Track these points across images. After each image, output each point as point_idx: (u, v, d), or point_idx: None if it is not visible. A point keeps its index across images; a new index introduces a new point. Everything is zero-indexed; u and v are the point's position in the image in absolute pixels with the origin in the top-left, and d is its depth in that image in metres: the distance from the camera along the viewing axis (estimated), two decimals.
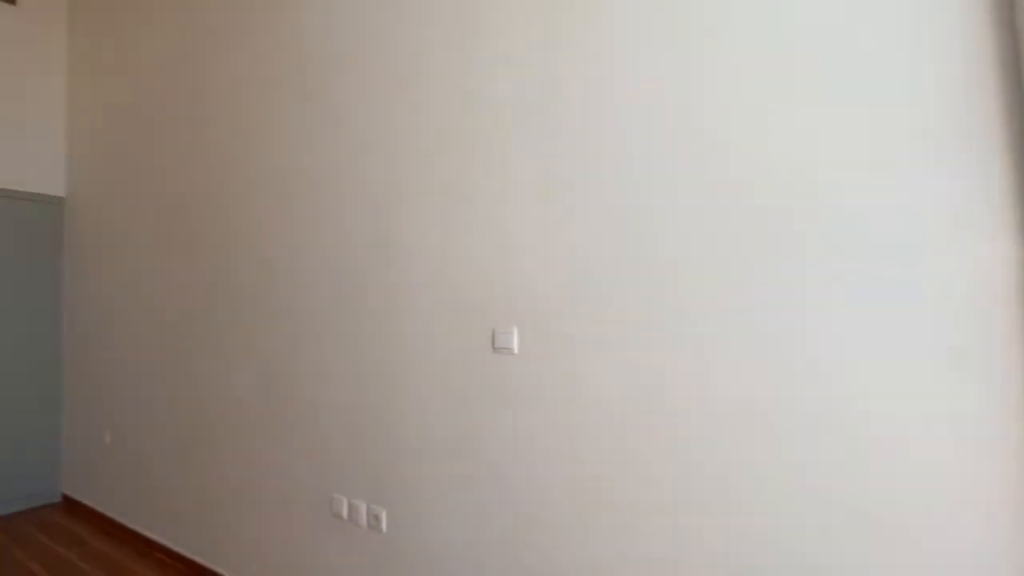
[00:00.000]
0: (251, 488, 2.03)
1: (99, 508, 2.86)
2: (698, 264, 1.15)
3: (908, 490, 0.93)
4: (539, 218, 1.38)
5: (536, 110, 1.40)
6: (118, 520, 2.71)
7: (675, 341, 1.17)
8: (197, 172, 2.35)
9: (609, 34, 1.29)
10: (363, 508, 1.71)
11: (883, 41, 0.98)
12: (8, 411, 3.00)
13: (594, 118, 1.31)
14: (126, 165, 2.80)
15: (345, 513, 1.75)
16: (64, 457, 3.19)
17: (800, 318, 1.04)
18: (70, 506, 3.08)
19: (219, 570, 2.15)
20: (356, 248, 1.76)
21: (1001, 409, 0.87)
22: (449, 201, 1.55)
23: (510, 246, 1.43)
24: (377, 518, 1.67)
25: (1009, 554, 0.85)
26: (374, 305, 1.71)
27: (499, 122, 1.46)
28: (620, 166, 1.26)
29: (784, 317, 1.05)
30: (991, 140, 0.88)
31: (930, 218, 0.93)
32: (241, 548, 2.07)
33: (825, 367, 1.01)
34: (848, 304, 0.99)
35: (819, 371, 1.02)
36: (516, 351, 1.41)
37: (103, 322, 2.92)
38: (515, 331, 1.41)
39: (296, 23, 1.97)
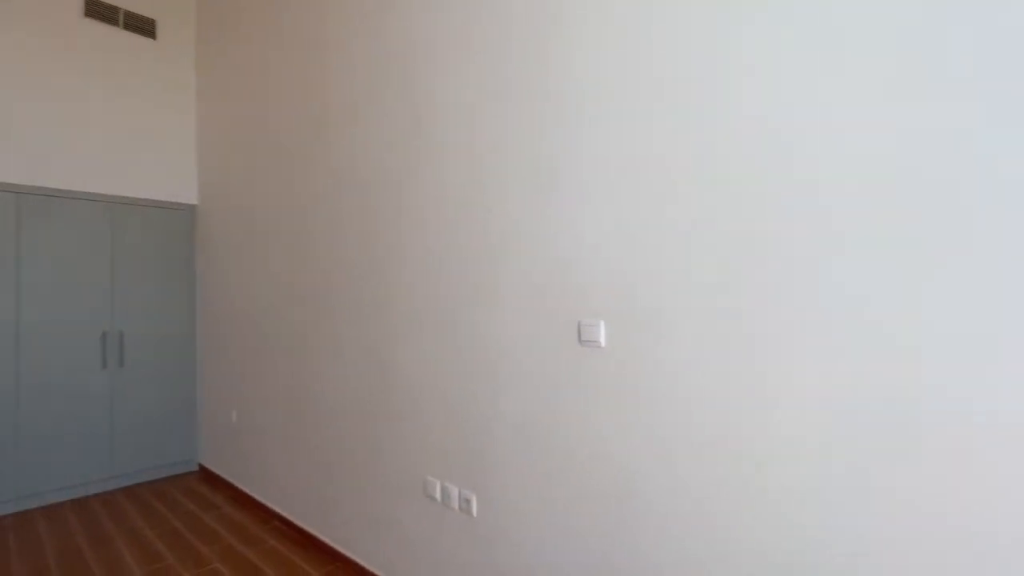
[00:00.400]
0: (355, 466, 2.21)
1: (228, 478, 3.26)
2: (820, 256, 1.07)
3: None
4: (627, 206, 1.36)
5: (623, 90, 1.37)
6: (243, 489, 3.07)
7: (793, 339, 1.11)
8: (312, 178, 2.59)
9: (698, 26, 1.23)
10: (455, 492, 1.80)
11: None
12: (156, 392, 3.50)
13: (698, 91, 1.26)
14: (248, 174, 3.14)
15: (438, 495, 1.85)
16: (200, 432, 3.66)
17: (915, 314, 0.93)
18: (205, 475, 3.54)
19: (327, 540, 2.37)
20: (447, 244, 1.84)
21: None
22: (535, 191, 1.57)
23: (596, 237, 1.42)
24: (468, 502, 1.75)
25: None
26: (465, 298, 1.78)
27: (582, 107, 1.45)
28: (727, 148, 1.21)
29: (900, 318, 0.95)
30: None
31: None
32: (346, 521, 2.26)
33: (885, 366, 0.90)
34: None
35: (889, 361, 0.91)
36: (603, 344, 1.41)
37: (229, 313, 3.31)
38: (601, 324, 1.41)
39: (401, 31, 2.08)
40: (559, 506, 1.50)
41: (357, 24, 2.24)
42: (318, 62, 2.49)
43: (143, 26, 3.61)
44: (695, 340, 1.23)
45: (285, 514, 2.66)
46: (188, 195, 3.77)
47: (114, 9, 3.49)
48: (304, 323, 2.57)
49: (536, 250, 1.57)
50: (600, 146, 1.42)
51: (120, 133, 3.47)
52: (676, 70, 1.27)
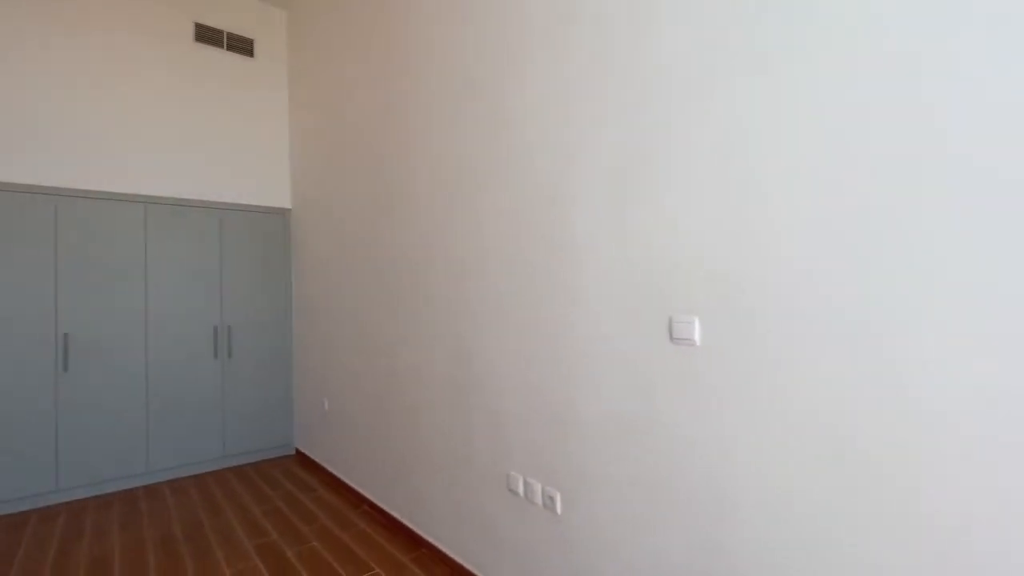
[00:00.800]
0: (441, 458, 2.28)
1: (321, 462, 3.50)
2: (946, 251, 0.95)
3: None
4: (720, 197, 1.28)
5: (718, 64, 1.29)
6: (335, 473, 3.28)
7: (941, 337, 0.99)
8: (396, 181, 2.70)
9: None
10: (538, 488, 1.80)
11: None
12: (257, 380, 3.83)
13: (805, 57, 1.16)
14: (336, 179, 3.34)
15: (521, 490, 1.86)
16: (295, 418, 3.96)
17: None
18: (301, 458, 3.82)
19: (413, 527, 2.47)
20: (532, 240, 1.84)
21: None
22: (623, 185, 1.52)
23: (692, 228, 1.35)
24: (552, 499, 1.74)
25: None
26: (549, 294, 1.76)
27: (670, 90, 1.38)
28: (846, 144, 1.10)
29: None
30: None
31: None
32: (432, 510, 2.35)
33: None
34: None
35: None
36: (698, 342, 1.34)
37: (321, 309, 3.54)
38: (696, 322, 1.34)
39: (484, 34, 2.11)
40: (645, 511, 1.45)
41: (437, 32, 2.29)
42: (401, 71, 2.57)
43: (243, 46, 3.94)
44: (814, 340, 1.13)
45: (374, 499, 2.81)
46: (282, 200, 4.07)
47: (219, 32, 3.84)
48: (390, 319, 2.68)
49: (623, 244, 1.52)
50: (694, 129, 1.34)
51: (225, 146, 3.82)
52: (791, 37, 1.17)
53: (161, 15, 3.60)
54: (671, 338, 1.39)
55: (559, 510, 1.72)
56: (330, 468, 3.38)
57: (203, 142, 3.72)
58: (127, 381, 3.31)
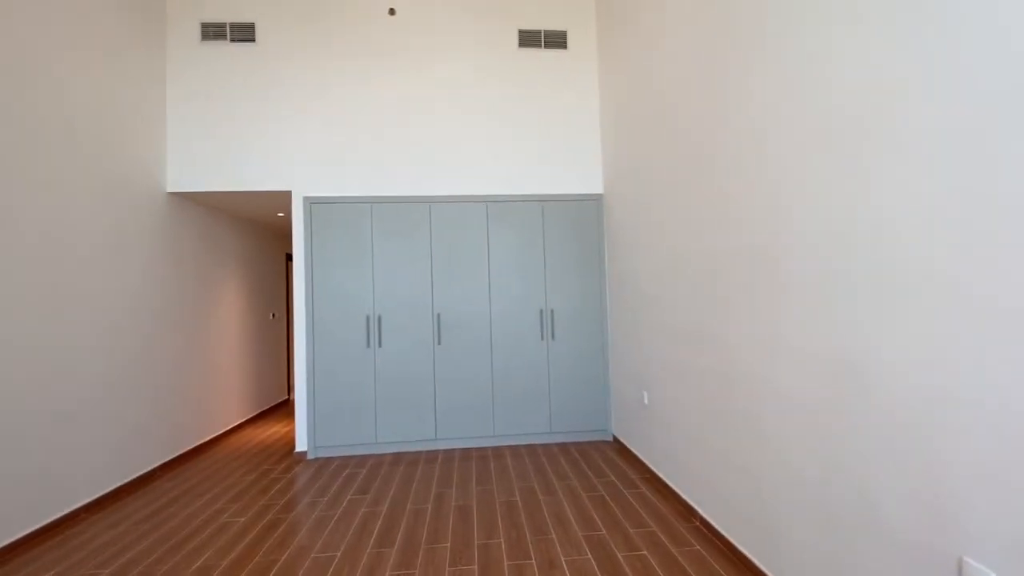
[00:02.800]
0: (818, 494, 1.70)
1: (640, 456, 3.32)
2: None
3: None
4: None
5: None
6: (656, 472, 3.04)
7: None
8: (706, 165, 2.22)
9: None
10: None
11: None
12: (576, 363, 3.93)
13: None
14: (644, 162, 3.05)
15: None
16: (612, 405, 3.92)
17: None
18: (618, 446, 3.75)
19: (764, 570, 1.96)
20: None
21: None
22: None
23: None
24: None
25: None
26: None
27: None
28: None
29: None
30: None
31: None
32: (792, 555, 1.79)
33: None
34: None
35: None
36: None
37: (634, 295, 3.34)
38: None
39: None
40: None
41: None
42: (727, 44, 2.04)
43: (557, 40, 4.07)
44: None
45: (707, 517, 2.42)
46: (595, 186, 4.05)
47: (537, 33, 4.06)
48: (718, 309, 2.21)
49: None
50: None
51: (546, 141, 4.03)
52: None
53: (493, 32, 4.04)
54: None
55: None
56: (650, 464, 3.15)
57: (526, 141, 4.01)
58: (478, 357, 3.87)
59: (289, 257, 6.31)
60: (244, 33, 3.82)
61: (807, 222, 1.69)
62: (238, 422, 4.71)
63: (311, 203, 3.82)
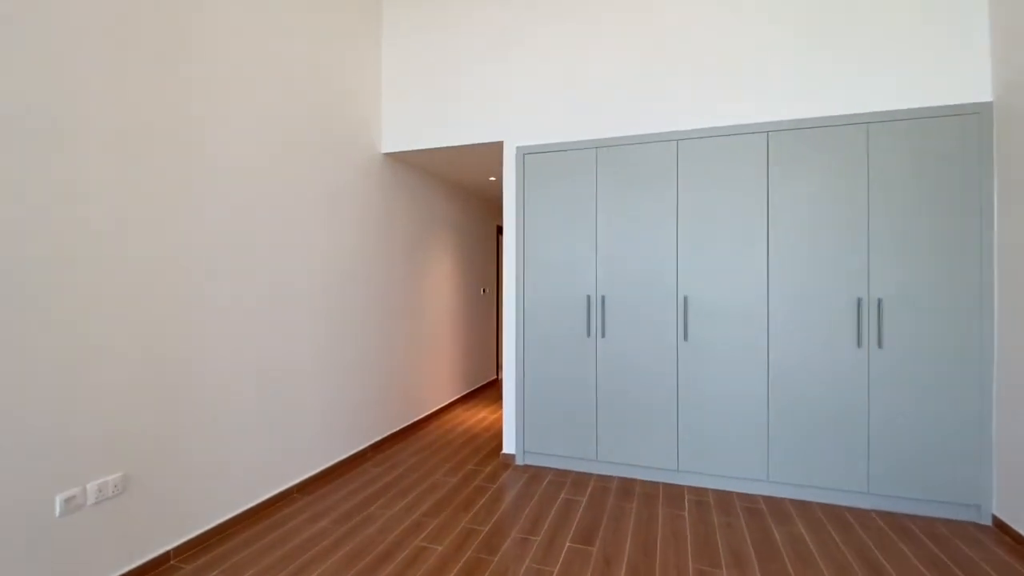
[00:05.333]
0: None
1: None
2: None
3: None
4: None
5: None
6: None
7: None
8: None
9: None
10: None
11: None
12: (921, 389, 2.40)
13: None
14: None
15: None
16: (996, 468, 2.29)
17: None
18: (1009, 539, 2.15)
19: None
20: None
21: None
22: None
23: None
24: None
25: None
26: None
27: None
28: None
29: None
30: None
31: None
32: None
33: None
34: None
35: None
36: None
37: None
38: None
39: None
40: None
41: None
42: None
43: None
44: None
45: None
46: (974, 89, 2.37)
47: None
48: None
49: None
50: None
51: (867, 23, 2.51)
52: None
53: None
54: None
55: None
56: None
57: (836, 25, 2.55)
58: (744, 363, 2.66)
59: (500, 230, 5.92)
60: None
61: None
62: (448, 401, 4.45)
63: (524, 153, 3.10)
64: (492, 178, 4.28)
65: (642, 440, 2.85)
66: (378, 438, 3.39)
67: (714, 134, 2.72)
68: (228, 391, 2.24)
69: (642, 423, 2.85)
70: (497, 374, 5.77)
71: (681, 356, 2.78)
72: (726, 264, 2.69)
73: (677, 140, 2.79)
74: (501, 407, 4.47)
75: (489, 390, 5.21)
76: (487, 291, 5.49)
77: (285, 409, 2.58)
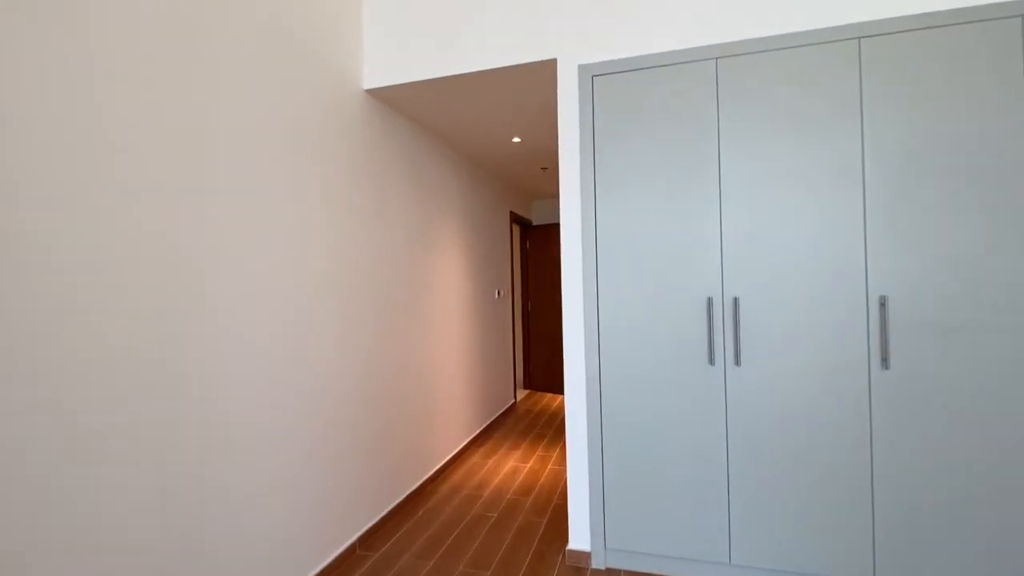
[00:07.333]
0: None
1: None
2: None
3: None
4: None
5: None
6: None
7: None
8: None
9: None
10: None
11: None
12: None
13: None
14: None
15: None
16: None
17: None
18: None
19: None
20: None
21: None
22: None
23: None
24: None
25: None
26: None
27: None
28: None
29: None
30: None
31: None
32: None
33: None
34: None
35: None
36: None
37: None
38: None
39: None
40: None
41: None
42: None
43: None
44: None
45: None
46: None
47: None
48: None
49: None
50: None
51: None
52: None
53: None
54: None
55: None
56: None
57: None
58: (1005, 409, 1.56)
59: (514, 218, 4.75)
60: None
61: None
62: (462, 444, 3.28)
63: (593, 75, 1.96)
64: (516, 139, 3.13)
65: (816, 530, 1.73)
66: (370, 524, 2.21)
67: (938, 22, 1.61)
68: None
69: (815, 501, 1.73)
70: (515, 397, 4.62)
71: (876, 396, 1.67)
72: (964, 244, 1.59)
73: (859, 39, 1.68)
74: (533, 449, 3.32)
75: (509, 419, 4.06)
76: (502, 294, 4.33)
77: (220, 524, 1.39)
